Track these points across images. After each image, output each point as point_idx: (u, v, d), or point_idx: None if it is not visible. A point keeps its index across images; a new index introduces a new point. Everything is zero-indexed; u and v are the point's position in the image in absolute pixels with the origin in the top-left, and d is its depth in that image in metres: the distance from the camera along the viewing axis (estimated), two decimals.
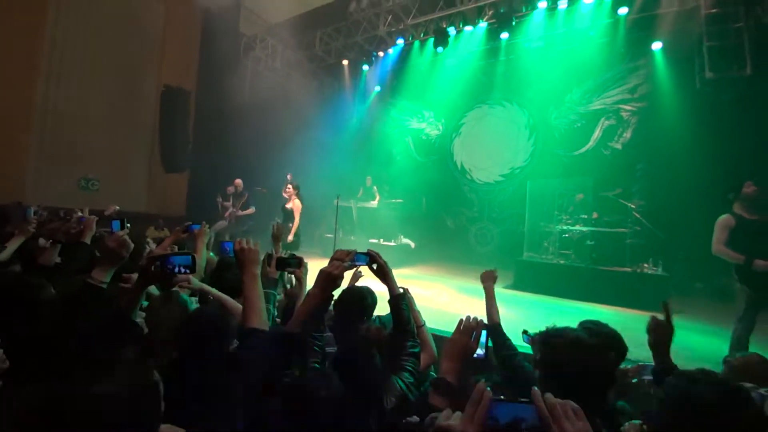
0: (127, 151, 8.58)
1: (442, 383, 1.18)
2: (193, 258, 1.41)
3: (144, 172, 8.95)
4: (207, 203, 7.66)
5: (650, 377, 1.71)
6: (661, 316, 1.63)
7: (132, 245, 1.52)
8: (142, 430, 0.83)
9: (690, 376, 1.05)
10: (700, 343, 3.92)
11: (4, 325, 1.47)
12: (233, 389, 1.05)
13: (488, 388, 0.82)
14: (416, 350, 1.56)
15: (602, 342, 1.40)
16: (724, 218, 3.35)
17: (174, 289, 1.72)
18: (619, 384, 1.68)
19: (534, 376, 1.61)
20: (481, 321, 1.32)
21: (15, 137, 6.95)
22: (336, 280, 1.49)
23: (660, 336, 1.62)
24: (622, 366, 1.82)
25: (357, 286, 2.25)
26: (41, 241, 2.55)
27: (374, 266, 1.70)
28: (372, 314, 2.26)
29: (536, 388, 0.75)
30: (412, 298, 2.05)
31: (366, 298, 2.09)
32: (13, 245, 2.45)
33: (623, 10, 6.77)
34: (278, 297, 2.13)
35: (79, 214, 3.40)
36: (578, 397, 1.20)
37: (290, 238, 5.57)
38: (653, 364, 1.68)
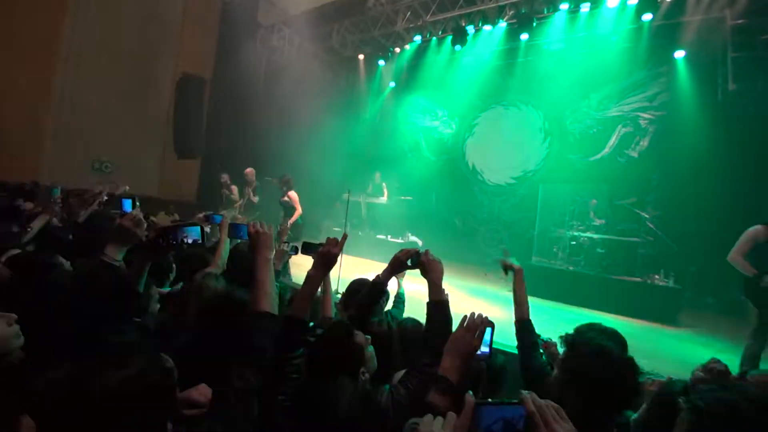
0: (141, 135, 8.64)
1: (443, 381, 1.13)
2: (202, 230, 1.43)
3: (157, 158, 9.01)
4: (218, 190, 7.72)
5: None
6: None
7: (146, 224, 1.53)
8: (156, 419, 0.84)
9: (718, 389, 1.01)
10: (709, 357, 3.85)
11: (20, 305, 1.49)
12: (246, 371, 1.06)
13: (470, 393, 0.79)
14: (433, 370, 1.33)
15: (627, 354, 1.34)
16: (755, 229, 3.26)
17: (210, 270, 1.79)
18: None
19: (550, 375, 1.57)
20: (486, 318, 1.27)
21: (34, 119, 7.05)
22: (334, 260, 1.54)
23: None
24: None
25: (364, 279, 2.25)
26: None
27: (421, 260, 1.67)
28: (382, 309, 2.26)
29: (525, 392, 0.73)
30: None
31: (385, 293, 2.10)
32: (38, 225, 2.47)
33: (647, 17, 6.62)
34: (281, 286, 2.15)
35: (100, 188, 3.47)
36: (599, 408, 1.18)
37: (290, 222, 5.94)
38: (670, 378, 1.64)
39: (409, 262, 1.71)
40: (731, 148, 6.06)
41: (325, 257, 1.54)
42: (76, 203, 3.14)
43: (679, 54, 6.94)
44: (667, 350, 4.06)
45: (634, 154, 7.60)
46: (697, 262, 6.20)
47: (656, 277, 5.70)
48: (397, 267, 1.77)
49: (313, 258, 1.54)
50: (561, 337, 1.54)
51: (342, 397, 1.14)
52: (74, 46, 7.52)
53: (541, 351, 1.88)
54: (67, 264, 1.83)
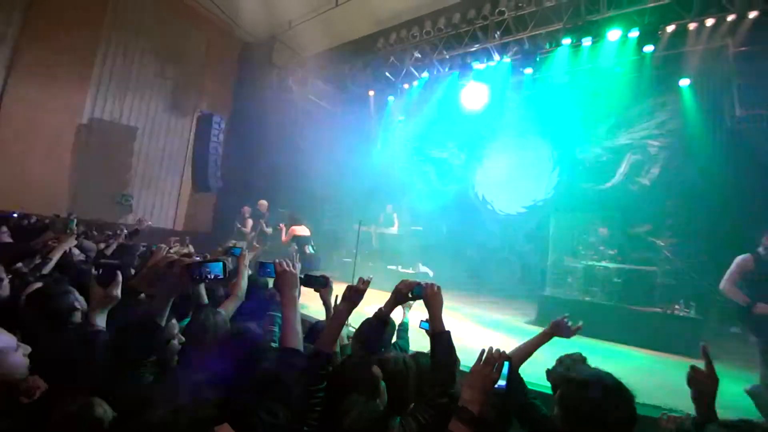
0: (161, 170, 9.02)
1: (465, 412, 1.17)
2: (224, 265, 1.50)
3: (175, 191, 9.35)
4: (233, 223, 7.93)
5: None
6: (700, 365, 1.53)
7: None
8: None
9: (732, 427, 0.99)
10: (737, 392, 3.65)
11: (37, 339, 1.56)
12: (274, 405, 1.11)
13: None
14: (442, 400, 1.38)
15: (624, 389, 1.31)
16: (743, 258, 3.32)
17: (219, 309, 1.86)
18: None
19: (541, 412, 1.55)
20: (504, 353, 1.32)
21: (61, 152, 7.45)
22: (362, 295, 1.64)
23: (702, 388, 1.47)
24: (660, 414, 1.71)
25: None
26: None
27: (423, 294, 1.68)
28: (390, 341, 2.26)
29: None
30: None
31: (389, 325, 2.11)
32: (56, 256, 2.58)
33: (648, 48, 6.78)
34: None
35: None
36: None
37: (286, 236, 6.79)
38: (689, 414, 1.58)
39: (410, 294, 1.73)
40: (744, 172, 5.99)
41: (354, 293, 1.65)
42: (99, 237, 3.29)
43: (684, 82, 7.04)
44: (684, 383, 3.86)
45: (646, 182, 7.56)
46: (718, 291, 5.97)
47: (676, 307, 5.49)
48: (399, 299, 1.80)
49: (315, 290, 1.59)
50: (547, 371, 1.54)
51: (352, 410, 1.15)
52: (103, 82, 8.04)
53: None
54: (81, 299, 1.89)
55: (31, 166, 6.92)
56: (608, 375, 1.28)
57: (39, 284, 2.26)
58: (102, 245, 3.97)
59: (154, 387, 1.00)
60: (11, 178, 6.57)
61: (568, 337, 1.94)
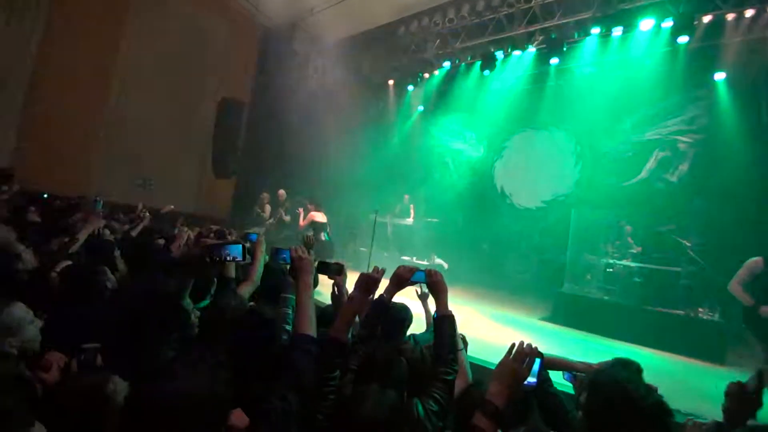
0: (182, 155, 9.17)
1: (490, 405, 1.15)
2: (244, 247, 1.52)
3: (195, 177, 9.51)
4: (251, 209, 8.05)
5: None
6: (751, 384, 1.48)
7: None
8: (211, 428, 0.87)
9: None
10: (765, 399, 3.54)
11: (70, 313, 1.61)
12: (287, 392, 1.11)
13: None
14: (450, 378, 1.46)
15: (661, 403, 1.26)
16: (754, 260, 3.40)
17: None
18: None
19: (575, 419, 1.51)
20: (535, 348, 1.28)
21: (86, 137, 7.66)
22: (377, 284, 1.61)
23: (742, 406, 1.46)
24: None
25: (397, 303, 2.26)
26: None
27: (430, 281, 1.74)
28: (407, 332, 2.26)
29: None
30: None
31: (407, 314, 2.11)
32: (83, 236, 2.66)
33: (683, 39, 6.45)
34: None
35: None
36: None
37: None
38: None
39: (422, 288, 1.75)
40: None
41: (369, 281, 1.63)
42: (124, 219, 3.38)
43: (720, 76, 6.68)
44: (711, 390, 3.75)
45: (674, 179, 7.28)
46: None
47: (700, 310, 5.33)
48: (401, 284, 1.79)
49: (329, 277, 1.60)
50: (571, 374, 1.51)
51: (369, 399, 1.15)
52: (129, 69, 8.19)
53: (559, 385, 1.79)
54: (111, 277, 1.95)
55: (58, 148, 7.13)
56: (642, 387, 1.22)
57: (68, 262, 2.34)
58: (126, 226, 4.09)
59: (175, 362, 1.01)
60: (38, 161, 6.79)
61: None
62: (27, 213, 3.89)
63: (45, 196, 5.72)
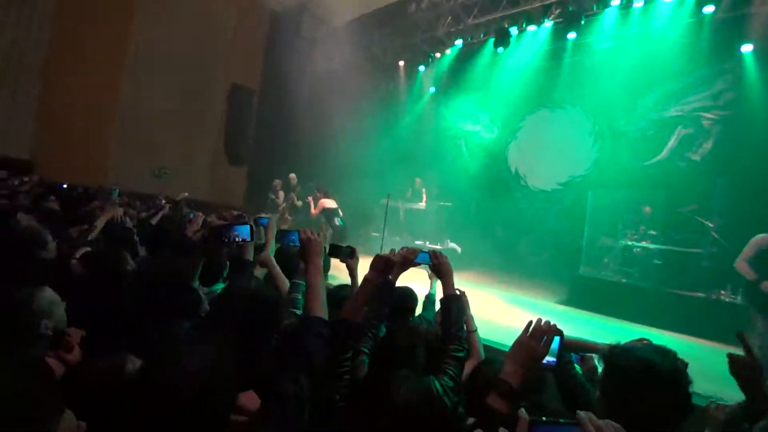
0: (195, 142, 9.25)
1: (504, 385, 1.11)
2: (251, 228, 1.51)
3: (208, 164, 9.60)
4: (264, 195, 8.10)
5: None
6: (740, 352, 1.43)
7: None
8: (222, 408, 0.87)
9: None
10: None
11: (92, 297, 1.64)
12: (299, 375, 1.10)
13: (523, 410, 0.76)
14: (460, 354, 1.48)
15: (679, 368, 1.23)
16: (760, 236, 3.44)
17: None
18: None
19: (593, 397, 1.48)
20: (554, 326, 1.21)
21: (101, 127, 7.77)
22: (392, 265, 1.60)
23: (745, 375, 1.41)
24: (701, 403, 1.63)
25: (401, 286, 2.24)
26: None
27: (434, 263, 1.77)
28: (413, 314, 2.26)
29: (582, 413, 0.69)
30: (467, 301, 2.02)
31: (413, 296, 2.11)
32: (101, 224, 2.72)
33: (709, 9, 6.11)
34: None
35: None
36: (648, 429, 1.09)
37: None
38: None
39: (429, 270, 1.80)
40: None
41: (386, 263, 1.61)
42: (141, 208, 3.44)
43: (747, 48, 6.30)
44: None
45: (697, 158, 6.99)
46: None
47: (722, 292, 5.19)
48: (405, 266, 1.79)
49: (341, 261, 1.59)
50: (579, 354, 1.49)
51: (404, 386, 1.14)
52: (139, 58, 8.23)
53: (576, 366, 1.76)
54: (131, 262, 1.99)
55: (74, 139, 7.26)
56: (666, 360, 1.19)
57: (87, 249, 2.38)
58: (143, 214, 4.16)
59: (182, 343, 1.01)
60: (57, 151, 6.93)
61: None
62: (47, 202, 3.99)
63: (64, 186, 5.85)
